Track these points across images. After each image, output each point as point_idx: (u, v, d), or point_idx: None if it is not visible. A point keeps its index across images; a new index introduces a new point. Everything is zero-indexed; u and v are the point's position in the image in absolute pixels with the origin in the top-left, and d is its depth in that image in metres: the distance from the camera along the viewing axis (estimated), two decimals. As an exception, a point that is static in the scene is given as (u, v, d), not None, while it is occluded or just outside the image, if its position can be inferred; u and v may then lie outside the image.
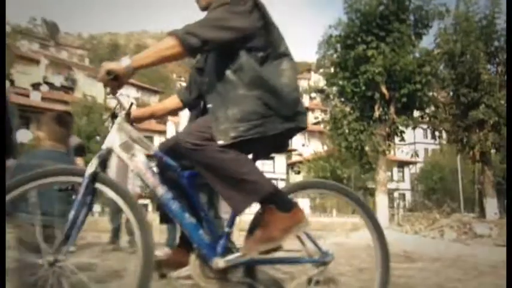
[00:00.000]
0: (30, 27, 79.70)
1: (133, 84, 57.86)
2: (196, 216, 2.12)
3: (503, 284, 4.18)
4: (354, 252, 7.38)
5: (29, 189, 1.98)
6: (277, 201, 2.05)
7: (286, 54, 2.17)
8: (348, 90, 11.82)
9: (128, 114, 2.20)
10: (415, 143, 28.50)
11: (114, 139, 2.13)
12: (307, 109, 63.21)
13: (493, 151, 12.91)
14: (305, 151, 39.63)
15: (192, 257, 2.11)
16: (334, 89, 12.78)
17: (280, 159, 37.66)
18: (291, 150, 37.85)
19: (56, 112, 3.51)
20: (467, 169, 22.70)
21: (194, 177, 2.18)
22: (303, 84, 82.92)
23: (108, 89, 2.10)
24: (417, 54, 11.73)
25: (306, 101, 68.20)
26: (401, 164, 36.14)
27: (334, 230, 11.23)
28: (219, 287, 2.26)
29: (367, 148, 11.86)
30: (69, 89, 51.89)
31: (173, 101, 2.37)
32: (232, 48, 2.04)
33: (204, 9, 2.19)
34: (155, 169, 2.21)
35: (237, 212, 2.08)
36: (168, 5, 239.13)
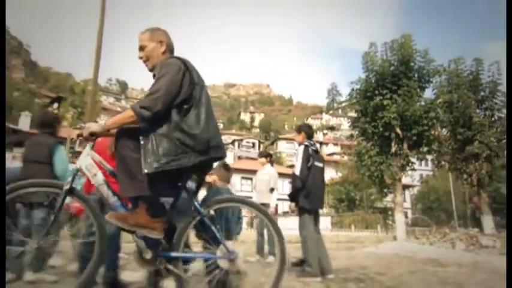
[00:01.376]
0: (107, 86, 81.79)
1: None
2: None
3: None
4: (384, 259, 7.56)
5: (17, 195, 2.14)
6: (147, 206, 2.15)
7: (203, 104, 2.24)
8: (369, 131, 11.93)
9: (93, 146, 2.30)
10: (414, 170, 28.10)
11: (82, 162, 2.26)
12: (321, 143, 62.42)
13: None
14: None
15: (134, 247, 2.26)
16: (358, 130, 12.80)
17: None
18: None
19: (223, 162, 3.95)
20: (459, 191, 22.33)
21: None
22: (316, 123, 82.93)
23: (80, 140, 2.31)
24: (423, 103, 11.83)
25: (320, 136, 68.25)
26: (403, 187, 35.42)
27: (363, 242, 11.11)
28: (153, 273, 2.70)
29: (385, 176, 11.73)
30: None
31: (129, 113, 2.15)
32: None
33: (151, 70, 2.35)
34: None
35: (123, 194, 2.20)
36: (208, 62, 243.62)
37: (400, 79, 11.71)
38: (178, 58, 2.26)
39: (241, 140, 62.40)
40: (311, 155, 4.56)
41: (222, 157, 2.39)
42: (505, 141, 12.92)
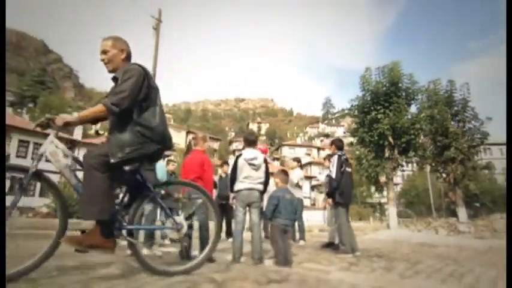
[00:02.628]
0: None
1: None
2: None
3: (495, 259, 4.70)
4: (387, 243, 7.83)
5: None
6: (102, 228, 2.04)
7: (158, 104, 2.25)
8: (366, 140, 12.06)
9: (57, 133, 2.18)
10: (403, 171, 28.17)
11: (46, 148, 2.11)
12: (319, 149, 61.89)
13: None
14: (321, 177, 38.79)
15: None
16: (357, 139, 12.81)
17: (306, 184, 37.00)
18: (311, 177, 36.27)
19: (282, 168, 4.32)
20: (435, 188, 22.40)
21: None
22: (313, 131, 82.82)
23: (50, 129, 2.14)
24: (409, 117, 11.89)
25: (317, 142, 68.18)
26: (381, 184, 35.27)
27: (363, 231, 11.31)
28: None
29: (380, 176, 11.92)
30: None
31: (101, 108, 2.07)
32: None
33: (110, 71, 2.29)
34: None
35: (83, 217, 2.06)
36: (221, 81, 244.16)
37: (391, 97, 11.88)
38: (140, 65, 2.24)
39: (252, 146, 61.99)
40: (343, 162, 4.97)
41: (171, 147, 2.34)
42: (476, 148, 13.14)
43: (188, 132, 59.45)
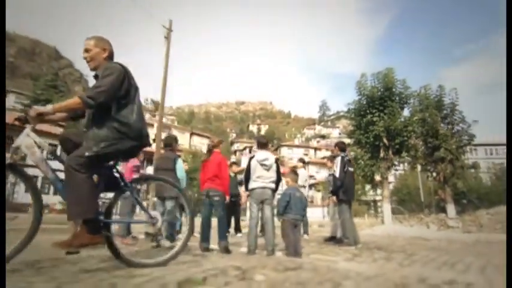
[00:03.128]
0: (144, 105, 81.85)
1: (207, 137, 57.63)
2: None
3: (482, 250, 4.87)
4: (384, 237, 8.01)
5: None
6: (88, 226, 1.95)
7: (136, 103, 2.19)
8: (362, 141, 12.11)
9: (34, 126, 2.05)
10: (396, 170, 28.24)
11: (22, 141, 2.00)
12: (316, 149, 61.92)
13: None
14: (318, 176, 38.93)
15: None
16: (353, 140, 12.81)
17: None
18: (310, 176, 35.97)
19: (293, 167, 4.49)
20: (425, 186, 22.57)
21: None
22: (310, 132, 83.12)
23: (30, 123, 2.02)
24: (402, 119, 11.95)
25: (314, 143, 68.30)
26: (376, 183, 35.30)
27: (360, 226, 11.40)
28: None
29: (376, 176, 12.03)
30: (169, 141, 51.28)
31: (77, 101, 1.98)
32: None
33: (92, 69, 2.22)
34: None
35: (69, 218, 1.97)
36: (223, 85, 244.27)
37: (386, 101, 11.97)
38: (120, 64, 2.18)
39: (251, 147, 62.33)
40: (346, 163, 5.17)
41: (148, 144, 2.26)
42: (463, 148, 13.28)
43: (192, 134, 59.48)
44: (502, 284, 2.23)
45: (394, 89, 12.17)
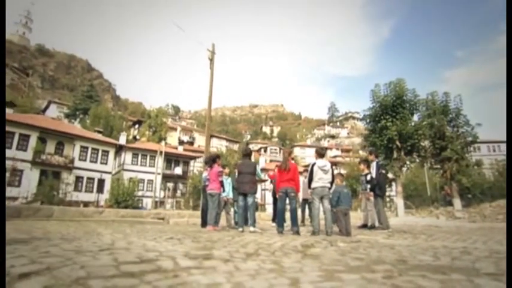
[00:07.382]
0: (165, 110, 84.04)
1: (225, 138, 58.90)
2: None
3: (486, 233, 5.71)
4: (402, 226, 8.83)
5: None
6: None
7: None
8: (377, 144, 12.95)
9: None
10: (408, 169, 28.64)
11: None
12: (326, 148, 62.15)
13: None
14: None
15: None
16: (369, 143, 13.71)
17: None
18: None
19: (339, 172, 5.51)
20: (431, 182, 23.09)
21: None
22: (320, 133, 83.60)
23: None
24: (413, 124, 12.79)
25: (325, 143, 68.72)
26: (391, 181, 35.40)
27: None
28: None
29: (390, 174, 12.78)
30: (191, 143, 52.98)
31: None
32: None
33: None
34: None
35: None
36: (238, 90, 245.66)
37: (398, 108, 12.95)
38: None
39: (266, 147, 63.18)
40: (380, 166, 6.23)
41: None
42: (468, 147, 13.95)
43: (211, 136, 60.91)
44: (500, 250, 3.27)
45: (404, 97, 13.19)
